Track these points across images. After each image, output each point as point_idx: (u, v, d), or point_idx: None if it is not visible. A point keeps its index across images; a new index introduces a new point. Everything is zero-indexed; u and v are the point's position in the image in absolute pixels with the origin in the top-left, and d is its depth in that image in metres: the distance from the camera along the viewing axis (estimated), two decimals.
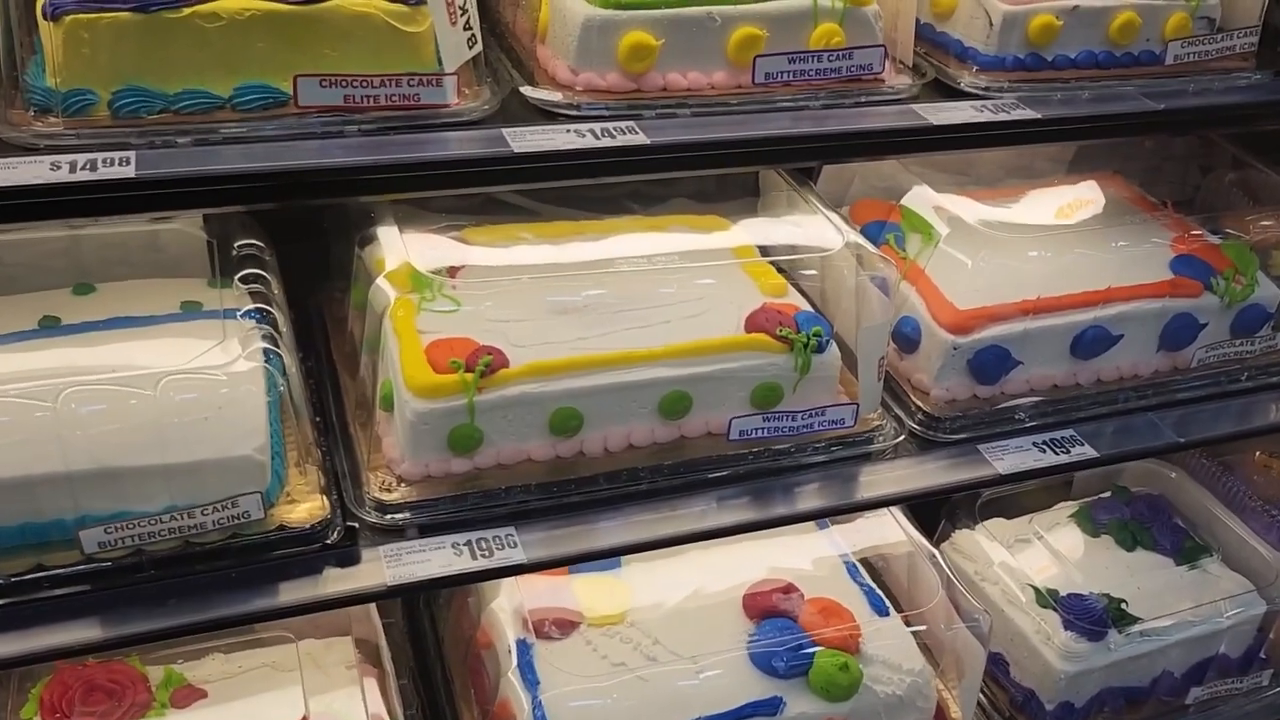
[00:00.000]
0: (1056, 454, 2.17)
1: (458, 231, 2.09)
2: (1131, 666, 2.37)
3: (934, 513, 2.66)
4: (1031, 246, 2.35)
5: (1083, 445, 2.20)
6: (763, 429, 2.02)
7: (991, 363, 2.20)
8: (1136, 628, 2.36)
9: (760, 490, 2.02)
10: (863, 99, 2.00)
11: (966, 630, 2.22)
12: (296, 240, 2.13)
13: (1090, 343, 2.25)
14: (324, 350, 2.21)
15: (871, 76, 2.02)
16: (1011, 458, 2.14)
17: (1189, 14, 2.20)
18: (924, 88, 2.08)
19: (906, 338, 2.27)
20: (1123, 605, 2.39)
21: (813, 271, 2.22)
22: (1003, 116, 2.02)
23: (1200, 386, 2.37)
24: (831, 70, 1.98)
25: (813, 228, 2.15)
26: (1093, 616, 2.34)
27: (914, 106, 2.02)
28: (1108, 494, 2.77)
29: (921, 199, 2.33)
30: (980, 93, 2.09)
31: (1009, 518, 2.66)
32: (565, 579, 2.28)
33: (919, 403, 2.21)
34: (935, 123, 1.97)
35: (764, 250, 2.26)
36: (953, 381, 2.21)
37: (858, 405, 2.08)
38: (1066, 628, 2.34)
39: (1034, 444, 2.19)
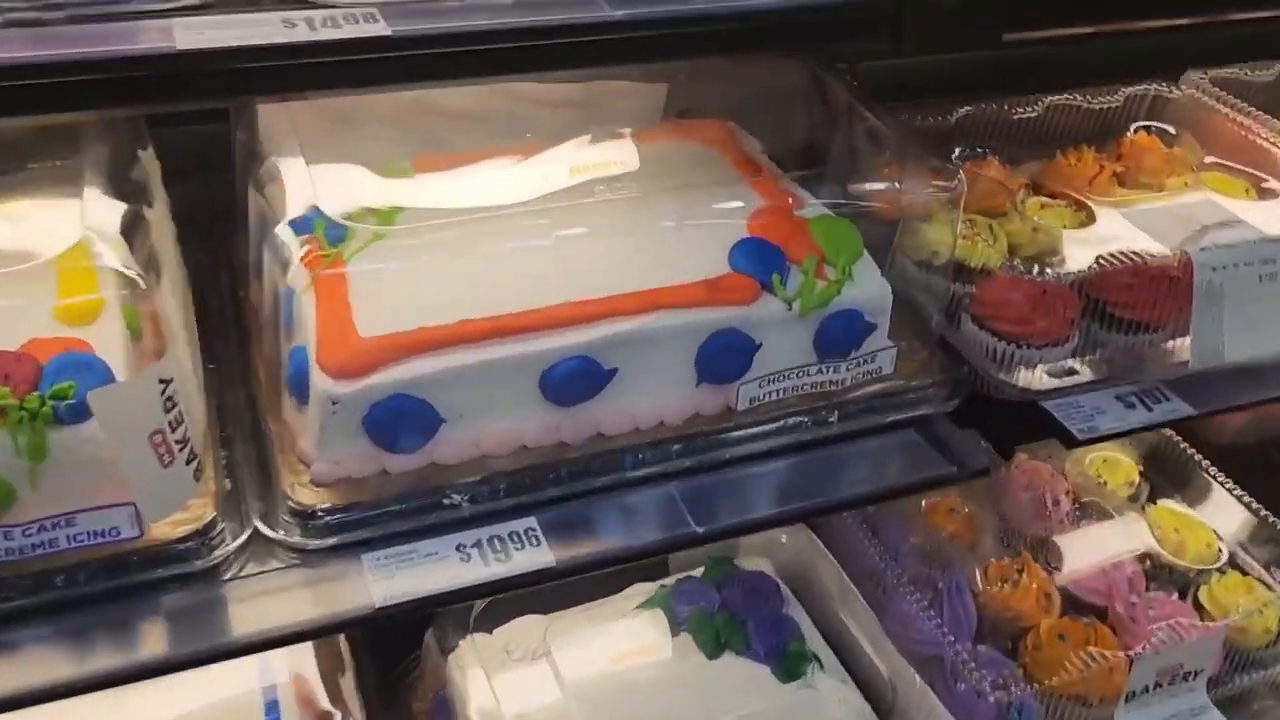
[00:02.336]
0: (487, 565, 1.40)
1: None
2: None
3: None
4: (510, 236, 1.57)
5: (537, 545, 1.43)
6: None
7: (398, 421, 1.41)
8: None
9: None
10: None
11: None
12: None
13: (564, 381, 1.47)
14: None
15: None
16: (405, 576, 1.36)
17: None
18: None
19: (298, 384, 1.47)
20: None
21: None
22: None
23: (758, 438, 1.61)
24: None
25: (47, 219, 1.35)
26: None
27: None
28: (700, 571, 1.98)
29: (301, 174, 1.54)
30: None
31: (546, 612, 1.88)
32: None
33: (286, 489, 1.42)
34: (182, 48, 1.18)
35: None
36: (344, 451, 1.42)
37: (135, 505, 1.29)
38: None
39: (457, 548, 1.41)
